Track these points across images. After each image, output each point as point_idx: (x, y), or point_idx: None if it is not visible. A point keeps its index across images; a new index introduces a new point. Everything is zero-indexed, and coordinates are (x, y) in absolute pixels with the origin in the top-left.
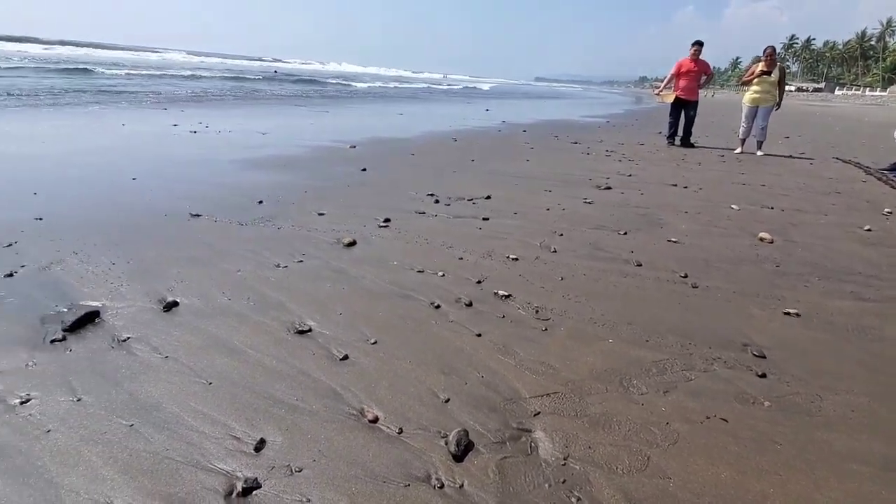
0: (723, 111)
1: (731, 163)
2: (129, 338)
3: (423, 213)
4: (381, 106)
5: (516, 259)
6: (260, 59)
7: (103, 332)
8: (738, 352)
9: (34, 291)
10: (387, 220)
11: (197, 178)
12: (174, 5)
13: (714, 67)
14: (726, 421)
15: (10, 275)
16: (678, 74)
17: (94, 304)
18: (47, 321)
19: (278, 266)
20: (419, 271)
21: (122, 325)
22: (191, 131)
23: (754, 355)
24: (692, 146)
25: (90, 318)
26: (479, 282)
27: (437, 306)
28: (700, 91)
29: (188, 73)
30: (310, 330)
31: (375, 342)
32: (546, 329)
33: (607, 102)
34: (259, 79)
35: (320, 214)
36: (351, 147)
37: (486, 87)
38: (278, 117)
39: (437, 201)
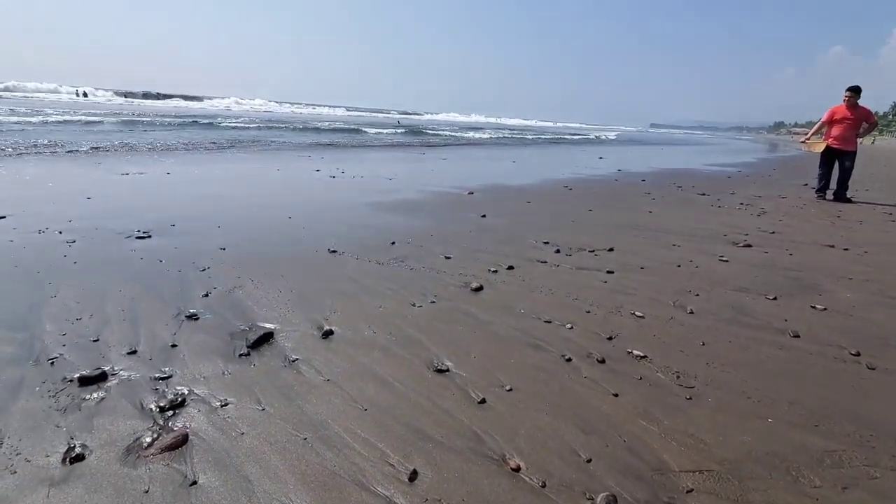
0: (885, 160)
1: None
2: (297, 359)
3: (545, 262)
4: (495, 152)
5: (648, 317)
6: (380, 112)
7: (277, 352)
8: None
9: (224, 310)
10: (510, 267)
11: (340, 218)
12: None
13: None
14: None
15: (207, 294)
16: (831, 122)
17: (269, 325)
18: (235, 337)
19: (414, 305)
20: (546, 321)
21: (291, 347)
22: (330, 176)
23: None
24: (849, 201)
25: (266, 338)
26: (609, 338)
27: (569, 359)
28: (859, 140)
29: (318, 123)
30: (447, 370)
31: (511, 389)
32: (691, 398)
33: (735, 149)
34: (382, 130)
35: (447, 258)
36: (469, 193)
37: (611, 135)
38: (402, 164)
39: (557, 251)
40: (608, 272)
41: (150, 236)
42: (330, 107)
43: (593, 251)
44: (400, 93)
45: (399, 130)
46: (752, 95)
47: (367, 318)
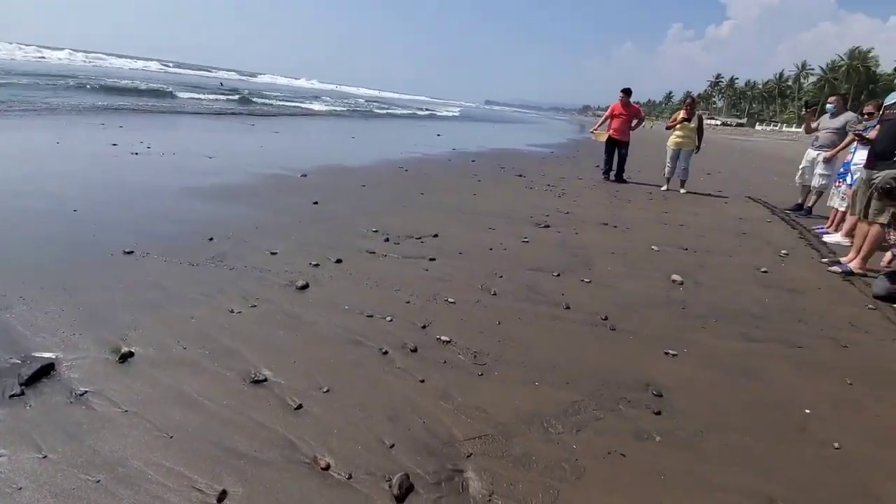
0: (657, 143)
1: (657, 201)
2: (86, 391)
3: (374, 252)
4: (334, 125)
5: (459, 302)
6: (201, 70)
7: (60, 386)
8: (641, 392)
9: None
10: (339, 261)
11: (144, 209)
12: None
13: (649, 100)
14: (624, 456)
15: None
16: (611, 116)
17: (48, 355)
18: (3, 374)
19: (232, 312)
20: (369, 316)
21: (78, 378)
22: (132, 153)
23: (654, 395)
24: (625, 182)
25: (45, 371)
26: (423, 326)
27: (386, 352)
28: (633, 130)
29: (117, 81)
30: (265, 379)
31: (328, 390)
32: (482, 374)
33: (553, 130)
34: (201, 93)
35: (273, 254)
36: (301, 176)
37: (454, 110)
38: (226, 138)
39: (387, 239)
40: (430, 259)
41: None
42: (133, 59)
43: (420, 238)
44: (219, 46)
45: (225, 97)
46: (566, 80)
47: (176, 333)
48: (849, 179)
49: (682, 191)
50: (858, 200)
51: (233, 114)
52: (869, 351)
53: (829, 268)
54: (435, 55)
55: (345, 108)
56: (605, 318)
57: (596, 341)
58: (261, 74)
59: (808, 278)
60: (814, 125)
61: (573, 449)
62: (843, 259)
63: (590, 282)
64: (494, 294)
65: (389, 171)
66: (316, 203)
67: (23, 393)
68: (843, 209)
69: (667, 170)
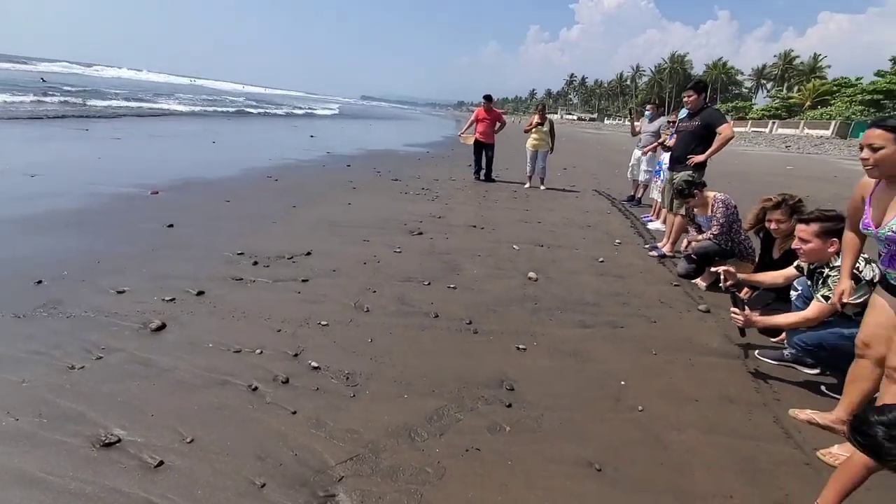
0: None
1: (520, 199)
2: None
3: (241, 279)
4: (191, 128)
5: (332, 324)
6: (14, 62)
7: None
8: (497, 388)
9: None
10: (200, 293)
11: None
12: None
13: (517, 96)
14: (479, 450)
15: None
16: (477, 121)
17: None
18: None
19: (73, 368)
20: (236, 351)
21: None
22: None
23: (507, 389)
24: (493, 181)
25: None
26: (296, 355)
27: (255, 388)
28: (496, 133)
29: None
30: (118, 441)
31: (192, 440)
32: (354, 395)
33: (430, 127)
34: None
35: (120, 293)
36: (152, 193)
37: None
38: (52, 148)
39: (255, 263)
40: (303, 281)
41: None
42: None
43: (292, 258)
44: (48, 31)
45: (49, 98)
46: (440, 77)
47: (4, 403)
48: (661, 176)
49: (542, 188)
50: (665, 195)
51: (61, 117)
52: (670, 323)
53: (650, 253)
54: (311, 49)
55: (207, 108)
56: (469, 322)
57: (460, 345)
58: (105, 67)
59: (634, 263)
60: (637, 128)
61: (436, 453)
62: (659, 244)
63: (456, 287)
64: (367, 311)
65: (258, 181)
66: (171, 226)
67: None
68: (660, 200)
69: (528, 169)
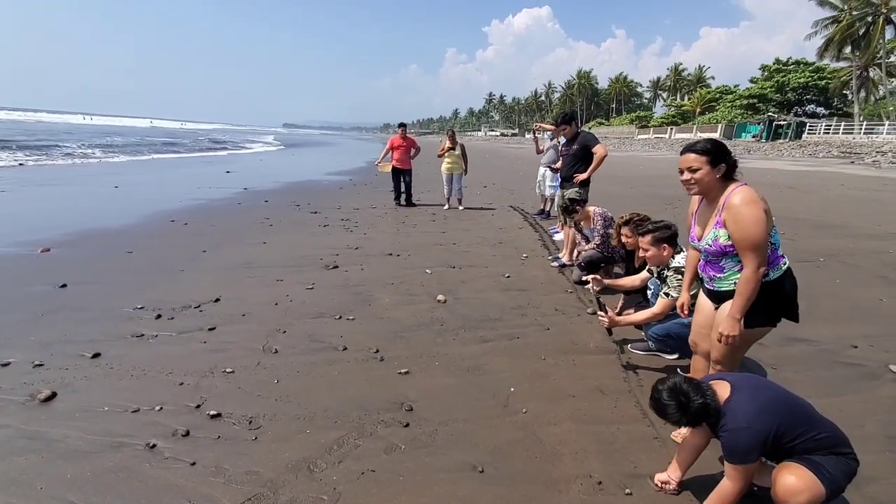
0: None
1: (438, 221)
2: None
3: (142, 335)
4: (88, 172)
5: (238, 370)
6: None
7: None
8: (397, 411)
9: None
10: (96, 355)
11: None
12: None
13: (441, 116)
14: (374, 471)
15: None
16: (393, 148)
17: None
18: None
19: None
20: (134, 411)
21: None
22: None
23: (406, 410)
24: (414, 205)
25: None
26: (198, 406)
27: (153, 446)
28: (412, 158)
29: None
30: None
31: None
32: (256, 438)
33: (354, 152)
34: None
35: (4, 365)
36: (43, 251)
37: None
38: None
39: (158, 316)
40: (210, 329)
41: None
42: None
43: (198, 306)
44: None
45: None
46: (364, 100)
47: None
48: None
49: (461, 207)
50: (560, 211)
51: None
52: (561, 329)
53: (552, 264)
54: (225, 80)
55: (104, 142)
56: (377, 351)
57: (365, 374)
58: None
59: (537, 275)
60: (540, 147)
61: (332, 480)
62: (560, 255)
63: (368, 318)
64: (276, 352)
65: (165, 227)
66: (64, 286)
67: None
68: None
69: (445, 191)
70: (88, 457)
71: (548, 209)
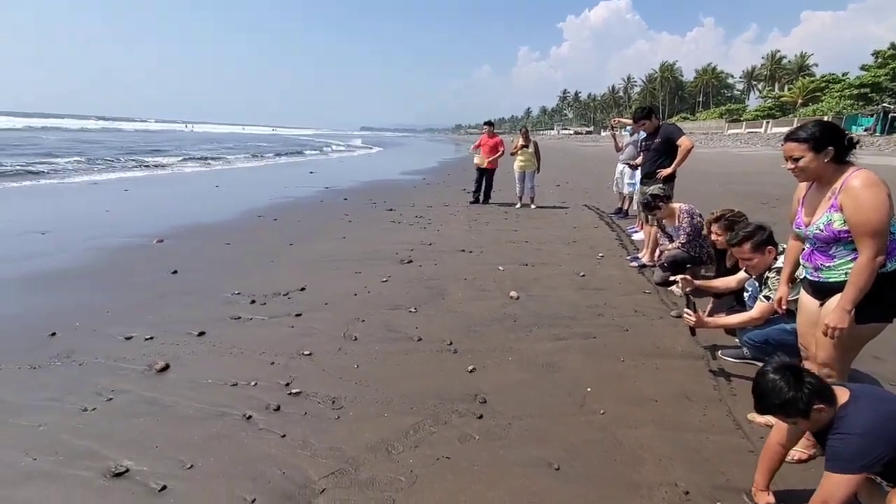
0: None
1: (510, 219)
2: None
3: (239, 317)
4: (191, 174)
5: (322, 354)
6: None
7: None
8: (470, 402)
9: None
10: (201, 334)
11: None
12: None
13: (512, 116)
14: (449, 458)
15: None
16: (481, 145)
17: None
18: None
19: (85, 410)
20: (233, 385)
21: None
22: None
23: (480, 402)
24: (487, 203)
25: None
26: (287, 384)
27: (249, 417)
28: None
29: None
30: (127, 470)
31: (191, 466)
32: (338, 417)
33: (427, 152)
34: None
35: (127, 339)
36: (158, 242)
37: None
38: (61, 200)
39: (252, 301)
40: (297, 315)
41: None
42: None
43: (287, 294)
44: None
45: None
46: (437, 102)
47: (24, 445)
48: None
49: (533, 206)
50: (640, 209)
51: (61, 171)
52: (641, 331)
53: (630, 263)
54: (308, 87)
55: (203, 152)
56: (450, 343)
57: (440, 365)
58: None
59: (614, 275)
60: (620, 143)
61: (409, 463)
62: (640, 254)
63: (441, 311)
64: (355, 339)
65: (256, 222)
66: (175, 272)
67: None
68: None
69: (517, 189)
70: (196, 423)
71: (626, 208)
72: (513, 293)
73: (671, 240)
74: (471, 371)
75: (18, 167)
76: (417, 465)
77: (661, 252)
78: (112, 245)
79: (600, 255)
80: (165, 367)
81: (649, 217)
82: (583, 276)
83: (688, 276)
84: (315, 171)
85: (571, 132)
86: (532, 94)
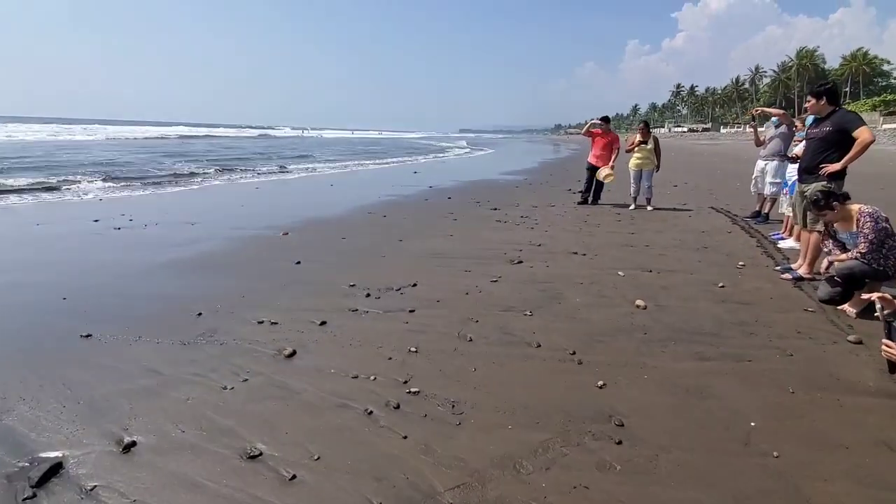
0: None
1: (624, 221)
2: (95, 486)
3: (356, 309)
4: (309, 173)
5: (438, 353)
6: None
7: (70, 484)
8: (605, 423)
9: None
10: (323, 323)
11: (132, 290)
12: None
13: (617, 114)
14: (587, 488)
15: None
16: (593, 143)
17: (55, 454)
18: (13, 479)
19: (225, 388)
20: (354, 377)
21: (86, 474)
22: (114, 228)
23: (616, 425)
24: (596, 204)
25: (54, 470)
26: (405, 381)
27: (370, 412)
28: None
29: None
30: (260, 454)
31: (318, 458)
32: (460, 423)
33: (526, 152)
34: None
35: (259, 323)
36: (283, 234)
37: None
38: (206, 199)
39: (368, 294)
40: (410, 311)
41: None
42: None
43: (399, 289)
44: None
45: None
46: (536, 102)
47: (174, 416)
48: (791, 188)
49: (649, 208)
50: (798, 211)
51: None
52: (811, 356)
53: (782, 275)
54: (405, 90)
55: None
56: (573, 353)
57: (564, 377)
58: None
59: (762, 288)
60: (762, 137)
61: (542, 487)
62: (793, 265)
63: (559, 316)
64: (470, 340)
65: (368, 219)
66: (298, 263)
67: (34, 495)
68: (791, 215)
69: (632, 189)
70: (320, 412)
71: (766, 211)
72: (639, 302)
73: (843, 249)
74: (601, 387)
75: (176, 171)
76: (551, 490)
77: (830, 263)
78: (246, 236)
79: (740, 263)
80: (293, 354)
81: (809, 220)
82: (722, 286)
83: (887, 296)
84: (418, 171)
85: (685, 129)
86: (640, 89)
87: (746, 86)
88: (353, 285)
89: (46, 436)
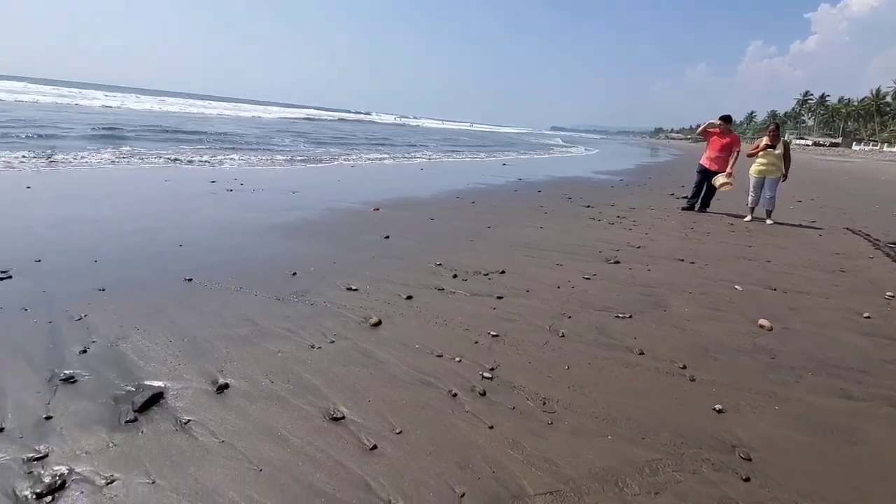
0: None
1: (739, 233)
2: (189, 420)
3: (443, 289)
4: (402, 155)
5: (527, 344)
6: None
7: (167, 414)
8: (727, 453)
9: (106, 369)
10: (409, 297)
11: (237, 245)
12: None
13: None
14: None
15: (85, 350)
16: (709, 144)
17: (158, 384)
18: (119, 401)
19: (313, 347)
20: (438, 356)
21: (182, 407)
22: (227, 189)
23: (741, 457)
24: (706, 211)
25: (156, 399)
26: (492, 368)
27: (455, 394)
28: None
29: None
30: (343, 417)
31: (400, 432)
32: (552, 423)
33: (622, 154)
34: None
35: (349, 289)
36: (375, 210)
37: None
38: (308, 173)
39: (455, 275)
40: (498, 297)
41: (9, 276)
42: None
43: (487, 274)
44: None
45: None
46: (635, 103)
47: (265, 367)
48: None
49: (769, 221)
50: None
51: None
52: None
53: None
54: (496, 83)
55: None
56: (684, 367)
57: (673, 392)
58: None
59: None
60: None
61: None
62: None
63: (664, 325)
64: (563, 336)
65: (457, 203)
66: (387, 237)
67: (136, 419)
68: None
69: (750, 199)
70: (403, 386)
71: None
72: (763, 321)
73: None
74: (719, 411)
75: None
76: None
77: None
78: (341, 208)
79: (889, 294)
80: (378, 323)
81: None
82: (867, 317)
83: None
84: (507, 164)
85: (809, 143)
86: (759, 95)
87: (888, 99)
88: (439, 264)
89: (153, 366)
